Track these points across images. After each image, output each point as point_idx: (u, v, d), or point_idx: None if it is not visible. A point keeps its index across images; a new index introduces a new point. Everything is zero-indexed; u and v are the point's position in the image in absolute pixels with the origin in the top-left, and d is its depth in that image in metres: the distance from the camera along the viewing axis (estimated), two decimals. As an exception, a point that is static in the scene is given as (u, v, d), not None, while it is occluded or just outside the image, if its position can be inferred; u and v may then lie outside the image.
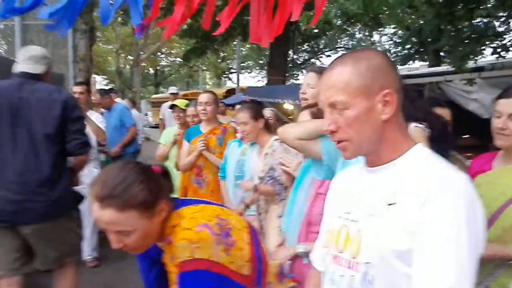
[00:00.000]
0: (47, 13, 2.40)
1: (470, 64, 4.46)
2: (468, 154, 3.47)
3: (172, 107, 5.21)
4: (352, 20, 15.07)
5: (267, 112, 4.14)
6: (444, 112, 2.74)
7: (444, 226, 1.08)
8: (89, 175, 4.73)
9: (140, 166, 1.56)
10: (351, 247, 1.25)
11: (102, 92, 6.86)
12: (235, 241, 1.55)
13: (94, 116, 5.06)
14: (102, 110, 6.37)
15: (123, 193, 1.44)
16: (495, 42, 4.10)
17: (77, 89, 4.93)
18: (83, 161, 3.20)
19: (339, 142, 1.26)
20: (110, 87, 21.17)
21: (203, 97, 4.16)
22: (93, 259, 5.06)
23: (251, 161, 3.51)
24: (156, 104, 30.10)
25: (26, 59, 2.93)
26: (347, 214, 1.30)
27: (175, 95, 9.75)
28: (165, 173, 1.65)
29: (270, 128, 3.46)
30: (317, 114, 2.40)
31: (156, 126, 26.86)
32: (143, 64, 34.55)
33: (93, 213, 1.48)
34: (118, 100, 8.00)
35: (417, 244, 1.10)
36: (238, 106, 5.63)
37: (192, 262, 1.44)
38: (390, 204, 1.18)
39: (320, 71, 2.74)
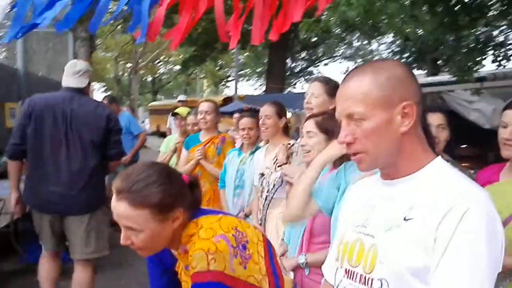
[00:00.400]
0: (48, 19, 2.41)
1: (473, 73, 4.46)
2: (466, 164, 3.45)
3: (174, 115, 5.20)
4: (351, 29, 15.15)
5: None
6: (435, 117, 2.72)
7: (464, 244, 1.05)
8: None
9: (167, 169, 1.57)
10: (365, 262, 1.20)
11: (109, 99, 6.84)
12: (251, 254, 1.53)
13: None
14: None
15: (140, 191, 1.44)
16: (497, 51, 4.10)
17: None
18: (116, 165, 3.78)
19: (355, 154, 1.22)
20: (108, 94, 21.14)
21: (203, 106, 4.14)
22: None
23: (256, 161, 3.46)
24: (153, 112, 30.18)
25: (72, 74, 3.43)
26: (362, 227, 1.26)
27: (183, 103, 9.30)
28: (193, 184, 1.63)
29: (288, 132, 3.42)
30: (322, 124, 2.38)
31: (153, 134, 26.91)
32: (142, 71, 34.62)
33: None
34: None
35: (435, 261, 1.07)
36: (236, 114, 5.62)
37: (207, 273, 1.42)
38: (407, 219, 1.15)
39: (325, 80, 2.73)
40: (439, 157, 1.24)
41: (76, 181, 3.33)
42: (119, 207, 1.45)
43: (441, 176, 1.18)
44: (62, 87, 3.47)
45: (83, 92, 3.47)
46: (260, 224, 3.22)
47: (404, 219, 1.15)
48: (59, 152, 3.32)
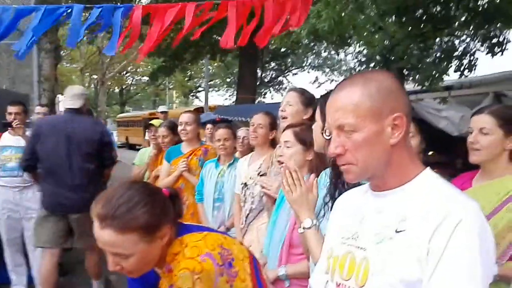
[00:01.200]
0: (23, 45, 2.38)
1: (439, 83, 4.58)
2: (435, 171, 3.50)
3: (148, 126, 5.12)
4: (319, 38, 15.36)
5: (242, 132, 4.09)
6: None
7: (458, 255, 1.05)
8: (33, 198, 4.54)
9: (148, 187, 1.51)
10: (357, 275, 1.19)
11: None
12: (237, 271, 1.50)
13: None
14: None
15: (124, 215, 1.37)
16: (462, 60, 4.23)
17: (13, 109, 4.62)
18: (109, 171, 4.44)
19: (343, 164, 1.22)
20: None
21: (184, 117, 4.08)
22: None
23: (239, 170, 3.42)
24: (121, 124, 29.73)
25: (70, 97, 4.13)
26: (352, 240, 1.25)
27: (165, 114, 8.75)
28: (174, 197, 1.58)
29: (274, 145, 3.40)
30: (300, 134, 2.39)
31: (121, 146, 26.48)
32: (109, 82, 34.13)
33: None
34: None
35: (428, 273, 1.07)
36: (209, 125, 5.56)
37: None
38: (398, 231, 1.14)
39: (301, 91, 2.75)
40: (428, 168, 1.25)
41: (77, 185, 3.98)
42: (104, 235, 1.38)
43: (431, 187, 1.18)
44: (64, 110, 4.27)
45: (81, 111, 4.14)
46: (243, 233, 3.19)
47: (396, 231, 1.15)
48: (64, 162, 3.97)
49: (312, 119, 2.78)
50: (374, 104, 1.16)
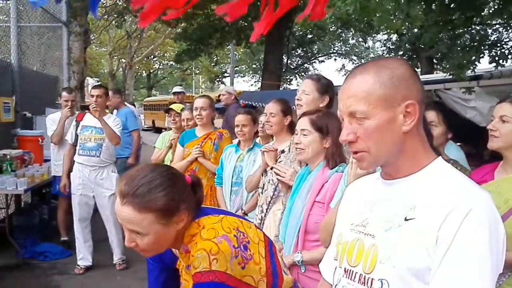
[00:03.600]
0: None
1: (468, 72, 4.46)
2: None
3: (168, 111, 5.16)
4: (346, 26, 15.14)
5: (264, 117, 4.08)
6: (428, 115, 2.74)
7: (467, 245, 1.04)
8: (107, 178, 4.86)
9: (171, 171, 1.55)
10: (365, 262, 1.19)
11: (114, 91, 6.95)
12: (252, 254, 1.53)
13: (112, 120, 4.94)
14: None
15: (144, 195, 1.42)
16: (493, 50, 4.09)
17: (95, 92, 4.86)
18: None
19: (356, 152, 1.21)
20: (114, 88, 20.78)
21: (199, 102, 4.11)
22: (122, 262, 5.04)
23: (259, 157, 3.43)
24: (148, 107, 30.06)
25: None
26: (362, 227, 1.25)
27: (179, 95, 7.81)
28: (196, 185, 1.62)
29: (292, 129, 3.40)
30: (317, 122, 2.38)
31: (148, 129, 26.81)
32: (136, 67, 34.48)
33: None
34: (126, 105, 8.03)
35: (436, 262, 1.06)
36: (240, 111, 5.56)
37: (209, 273, 1.42)
38: (408, 219, 1.13)
39: (317, 78, 2.72)
40: (440, 157, 1.24)
41: None
42: (123, 212, 1.44)
43: (442, 176, 1.17)
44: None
45: None
46: (260, 219, 3.20)
47: (405, 219, 1.14)
48: None
49: (329, 106, 2.76)
50: (386, 91, 1.15)
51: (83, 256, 4.94)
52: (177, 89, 8.00)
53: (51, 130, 5.46)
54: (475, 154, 5.10)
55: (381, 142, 1.17)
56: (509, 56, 4.08)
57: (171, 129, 5.13)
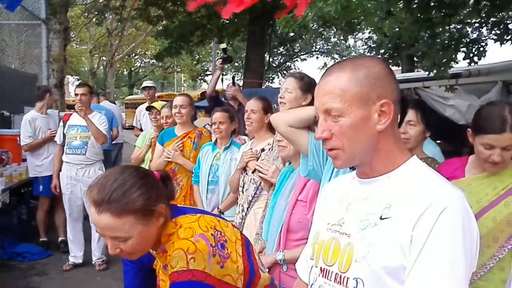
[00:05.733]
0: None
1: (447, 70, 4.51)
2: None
3: (149, 109, 5.13)
4: (328, 24, 15.19)
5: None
6: (408, 114, 2.76)
7: (441, 243, 1.05)
8: (94, 176, 4.73)
9: (140, 170, 1.53)
10: (341, 261, 1.19)
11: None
12: (230, 253, 1.53)
13: (97, 118, 4.92)
14: None
15: (120, 199, 1.40)
16: (470, 48, 4.15)
17: (79, 91, 4.84)
18: None
19: (331, 149, 1.21)
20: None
21: (178, 100, 4.08)
22: (102, 262, 5.02)
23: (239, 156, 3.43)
24: (129, 106, 29.79)
25: None
26: (338, 226, 1.25)
27: (149, 90, 7.03)
28: (165, 179, 1.61)
29: (273, 128, 3.39)
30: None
31: (129, 128, 26.57)
32: (117, 65, 34.11)
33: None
34: (105, 102, 7.97)
35: (411, 261, 1.07)
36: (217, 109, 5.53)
37: (187, 272, 1.41)
38: (383, 218, 1.14)
39: (300, 76, 2.73)
40: (415, 156, 1.25)
41: None
42: (102, 220, 1.40)
43: (417, 175, 1.18)
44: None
45: None
46: (241, 218, 3.19)
47: (381, 218, 1.15)
48: None
49: (311, 104, 2.77)
50: (361, 89, 1.16)
51: (74, 254, 4.97)
52: (147, 83, 7.29)
53: (25, 134, 5.31)
54: (455, 151, 5.18)
55: (355, 140, 1.17)
56: (484, 53, 4.14)
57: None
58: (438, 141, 5.98)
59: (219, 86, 5.62)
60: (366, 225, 1.17)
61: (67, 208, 4.99)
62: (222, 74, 6.05)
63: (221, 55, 5.10)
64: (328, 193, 1.42)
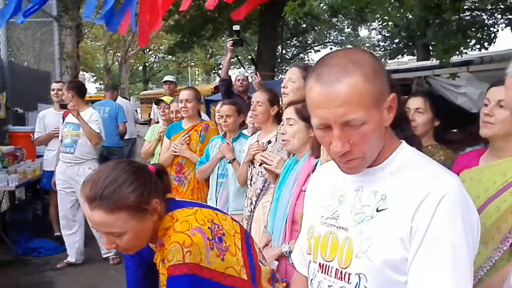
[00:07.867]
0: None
1: (457, 57, 4.43)
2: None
3: (158, 102, 5.13)
4: (337, 14, 15.05)
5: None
6: (415, 101, 2.72)
7: (442, 232, 1.03)
8: (84, 175, 4.67)
9: (133, 165, 1.52)
10: (340, 256, 1.16)
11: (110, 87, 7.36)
12: (228, 246, 1.52)
13: (88, 115, 4.82)
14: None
15: (112, 195, 1.39)
16: (480, 34, 4.06)
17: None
18: None
19: (349, 160, 1.10)
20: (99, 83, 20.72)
21: (184, 94, 4.06)
22: (115, 256, 5.03)
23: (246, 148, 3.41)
24: (144, 101, 29.95)
25: None
26: (333, 220, 1.21)
27: (170, 85, 7.40)
28: (160, 172, 1.60)
29: (279, 119, 3.36)
30: (302, 111, 2.36)
31: (144, 123, 26.72)
32: (131, 60, 34.31)
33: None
34: (120, 98, 8.06)
35: (412, 252, 1.05)
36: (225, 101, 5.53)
37: (182, 266, 1.40)
38: (380, 210, 1.11)
39: (303, 66, 2.70)
40: (404, 142, 1.20)
41: None
42: (95, 217, 1.40)
43: (410, 163, 1.14)
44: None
45: None
46: (250, 211, 3.18)
47: (377, 209, 1.12)
48: None
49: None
50: (376, 90, 1.06)
51: (69, 252, 4.97)
52: (168, 78, 7.65)
53: (36, 129, 5.49)
54: (468, 140, 5.09)
55: (373, 143, 1.10)
56: (494, 39, 4.05)
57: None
58: (454, 130, 5.90)
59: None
60: (362, 218, 1.14)
61: (59, 205, 5.02)
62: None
63: (234, 37, 5.02)
64: (317, 184, 1.37)
